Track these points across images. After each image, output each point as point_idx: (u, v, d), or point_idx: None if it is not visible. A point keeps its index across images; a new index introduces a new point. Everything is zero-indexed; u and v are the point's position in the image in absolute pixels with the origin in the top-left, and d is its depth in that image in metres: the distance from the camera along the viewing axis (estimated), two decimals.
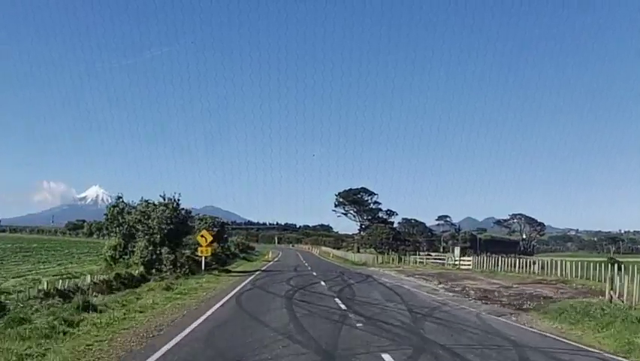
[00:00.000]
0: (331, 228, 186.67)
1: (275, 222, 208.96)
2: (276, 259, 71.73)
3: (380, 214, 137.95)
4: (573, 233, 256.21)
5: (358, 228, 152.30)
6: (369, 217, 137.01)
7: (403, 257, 68.54)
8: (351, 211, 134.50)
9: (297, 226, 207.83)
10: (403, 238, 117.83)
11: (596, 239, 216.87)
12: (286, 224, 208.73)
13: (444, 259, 60.19)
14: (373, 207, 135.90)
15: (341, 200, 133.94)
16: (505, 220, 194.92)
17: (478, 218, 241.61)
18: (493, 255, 53.96)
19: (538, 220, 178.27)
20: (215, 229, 59.90)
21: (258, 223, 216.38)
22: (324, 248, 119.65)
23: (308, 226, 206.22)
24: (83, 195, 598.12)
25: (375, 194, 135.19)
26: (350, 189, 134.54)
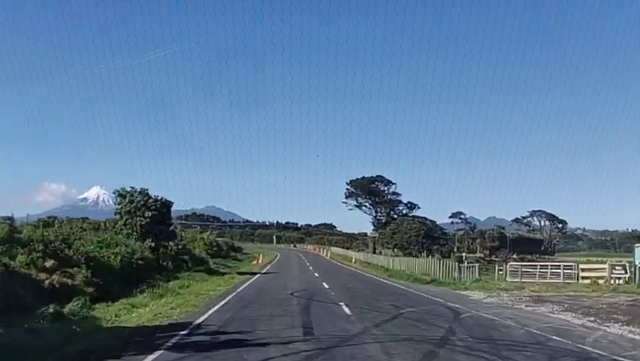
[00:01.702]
0: (335, 227, 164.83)
1: (275, 222, 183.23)
2: (267, 269, 42.26)
3: (400, 207, 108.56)
4: (580, 232, 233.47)
5: (373, 223, 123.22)
6: (387, 211, 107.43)
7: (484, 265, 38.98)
8: (367, 204, 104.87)
9: (299, 225, 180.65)
10: (437, 236, 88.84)
11: (603, 238, 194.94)
12: (287, 223, 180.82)
13: (594, 271, 30.30)
14: (392, 198, 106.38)
15: (353, 190, 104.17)
16: (524, 217, 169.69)
17: (480, 218, 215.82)
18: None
19: (560, 217, 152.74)
20: (148, 214, 30.54)
21: (257, 222, 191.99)
22: (334, 249, 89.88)
23: (310, 225, 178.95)
24: (83, 195, 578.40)
25: (392, 183, 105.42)
26: (364, 177, 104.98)
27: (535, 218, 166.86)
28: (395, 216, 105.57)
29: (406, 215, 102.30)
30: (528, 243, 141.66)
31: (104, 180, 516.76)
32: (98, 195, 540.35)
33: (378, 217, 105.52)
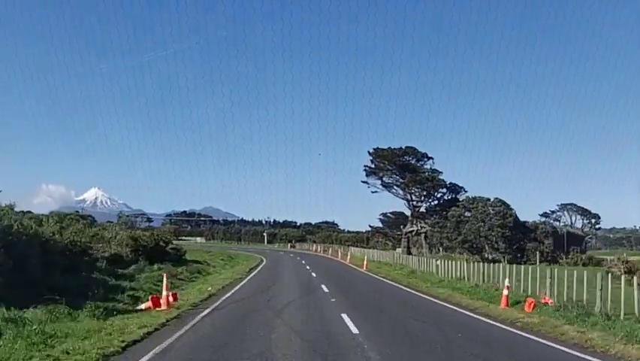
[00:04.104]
0: (337, 225, 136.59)
1: (272, 220, 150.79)
2: None
3: (443, 190, 70.05)
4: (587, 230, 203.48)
5: (382, 220, 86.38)
6: (424, 194, 69.40)
7: None
8: (398, 182, 66.89)
9: (298, 224, 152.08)
10: (532, 228, 51.42)
11: (611, 235, 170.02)
12: (285, 222, 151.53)
13: None
14: (433, 175, 67.98)
15: (379, 162, 66.35)
16: (553, 211, 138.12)
17: None
18: None
19: (592, 211, 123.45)
20: None
21: (253, 221, 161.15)
22: (356, 251, 51.34)
23: (310, 224, 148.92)
24: (81, 197, 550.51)
25: (428, 157, 67.39)
26: (390, 148, 67.30)
27: (565, 213, 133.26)
28: (436, 201, 68.03)
29: (456, 201, 64.69)
30: (570, 240, 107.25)
31: (103, 181, 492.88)
32: (96, 196, 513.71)
33: (413, 202, 67.49)
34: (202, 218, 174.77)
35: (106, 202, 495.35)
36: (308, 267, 32.20)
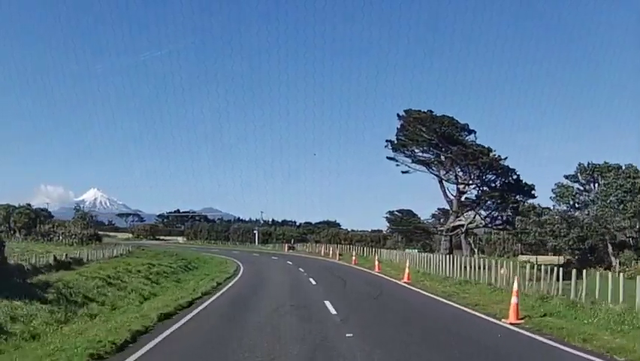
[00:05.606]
0: (339, 224, 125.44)
1: (270, 219, 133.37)
2: None
3: (490, 174, 48.95)
4: None
5: (387, 220, 65.65)
6: (469, 174, 48.53)
7: None
8: (439, 157, 46.01)
9: (298, 224, 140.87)
10: None
11: None
12: (284, 221, 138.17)
13: None
14: (485, 149, 46.88)
15: (412, 130, 45.26)
16: None
17: None
18: None
19: None
20: None
21: (250, 220, 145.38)
22: (387, 255, 30.21)
23: (310, 223, 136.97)
24: (81, 198, 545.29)
25: (470, 131, 46.43)
26: (429, 111, 46.42)
27: None
28: (485, 187, 47.23)
29: (520, 186, 44.02)
30: None
31: (102, 182, 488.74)
32: (95, 197, 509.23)
33: (460, 186, 46.40)
34: (194, 216, 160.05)
35: (105, 203, 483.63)
36: (336, 313, 11.29)
